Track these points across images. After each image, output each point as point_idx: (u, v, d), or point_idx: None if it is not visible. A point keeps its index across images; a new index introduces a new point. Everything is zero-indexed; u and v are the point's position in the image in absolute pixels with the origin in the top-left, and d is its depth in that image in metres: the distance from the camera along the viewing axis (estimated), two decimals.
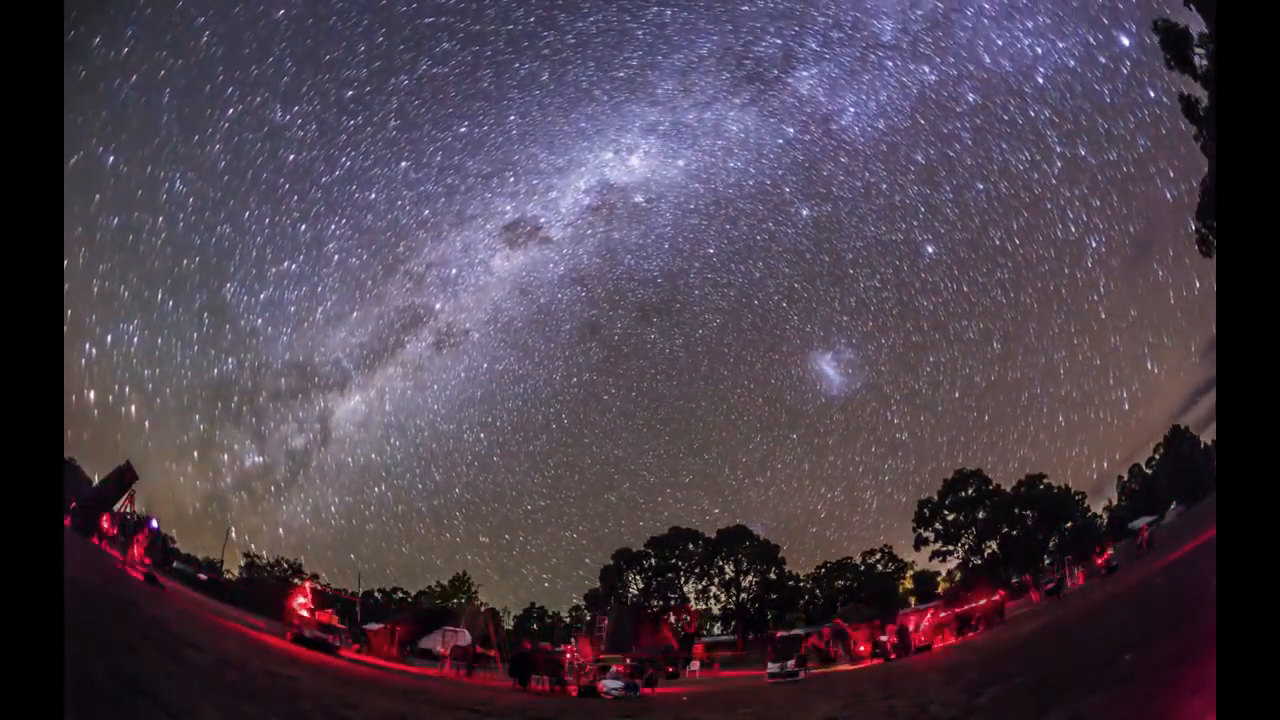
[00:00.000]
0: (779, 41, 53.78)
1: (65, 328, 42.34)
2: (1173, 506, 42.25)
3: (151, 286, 48.00)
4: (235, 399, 53.72)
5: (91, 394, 44.30)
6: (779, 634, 46.35)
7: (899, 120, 55.94)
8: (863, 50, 53.40)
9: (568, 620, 59.17)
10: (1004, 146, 54.10)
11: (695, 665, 37.83)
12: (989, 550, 51.42)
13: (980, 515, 52.00)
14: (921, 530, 53.10)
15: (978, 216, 57.11)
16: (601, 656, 31.09)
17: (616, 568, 58.08)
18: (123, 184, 45.14)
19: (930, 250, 60.45)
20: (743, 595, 56.82)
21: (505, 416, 65.48)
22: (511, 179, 58.02)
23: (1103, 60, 46.57)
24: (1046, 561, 47.85)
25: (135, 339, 47.81)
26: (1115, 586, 23.27)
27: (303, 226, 54.43)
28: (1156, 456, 50.95)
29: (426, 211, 57.98)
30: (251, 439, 54.43)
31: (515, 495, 66.26)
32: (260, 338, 54.93)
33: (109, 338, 46.32)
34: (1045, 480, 52.13)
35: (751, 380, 67.30)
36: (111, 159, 43.59)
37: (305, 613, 22.76)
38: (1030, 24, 48.43)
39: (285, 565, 54.16)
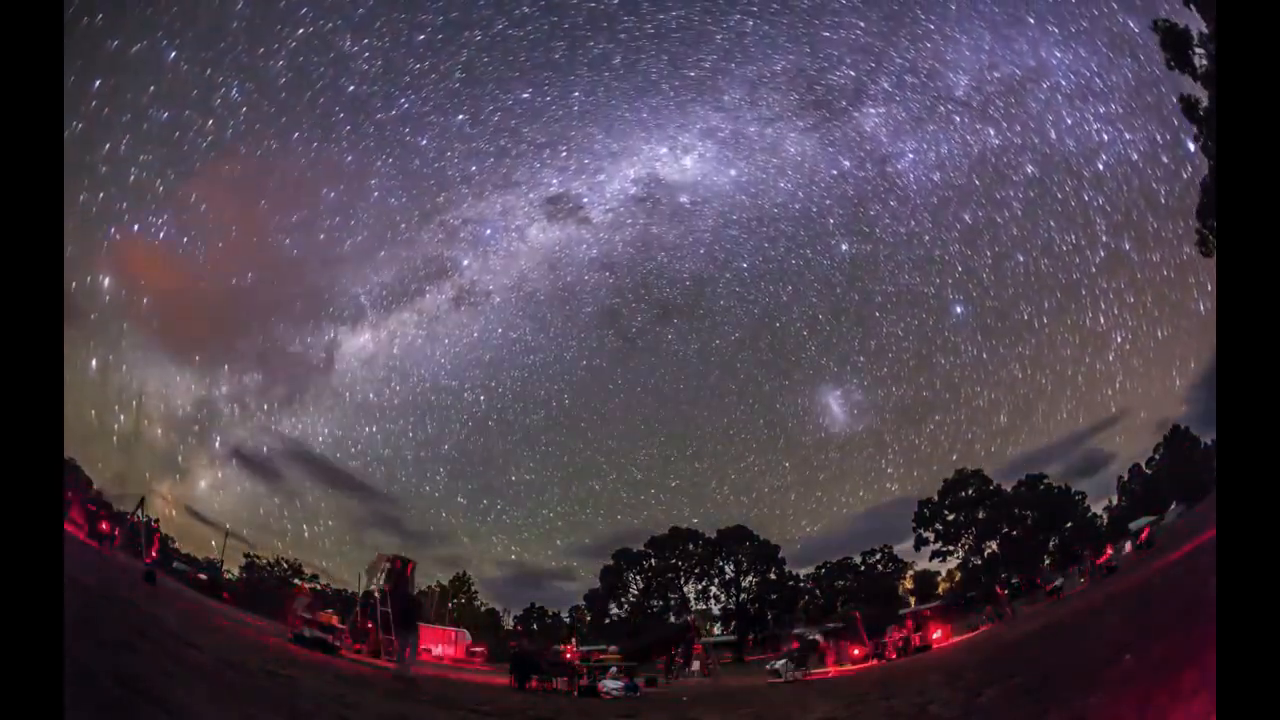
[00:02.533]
0: (853, 74, 53.80)
1: (94, 209, 43.18)
2: (1173, 506, 42.21)
3: (187, 186, 48.39)
4: (247, 311, 54.18)
5: (106, 280, 44.92)
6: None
7: (955, 176, 56.21)
8: (933, 100, 53.80)
9: (568, 620, 59.26)
10: (1051, 224, 54.60)
11: (695, 666, 37.80)
12: (989, 550, 51.47)
13: (980, 515, 52.07)
14: (922, 530, 53.21)
15: (1012, 287, 57.60)
16: (601, 656, 31.09)
17: (617, 568, 58.12)
18: (180, 81, 45.30)
19: (959, 310, 60.56)
20: (743, 595, 56.90)
21: (508, 384, 65.61)
22: (564, 153, 57.75)
23: (1165, 160, 46.93)
24: (1046, 562, 47.87)
25: (161, 233, 48.20)
26: (1115, 586, 23.27)
27: (349, 158, 54.57)
28: (1156, 456, 50.95)
29: (474, 168, 57.73)
30: (255, 354, 54.92)
31: (502, 463, 66.37)
32: (284, 257, 55.17)
33: (135, 226, 46.76)
34: (1045, 480, 52.16)
35: (757, 400, 67.25)
36: (173, 54, 43.79)
37: (306, 614, 22.82)
38: (1102, 109, 48.89)
39: (285, 565, 54.22)
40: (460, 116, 55.47)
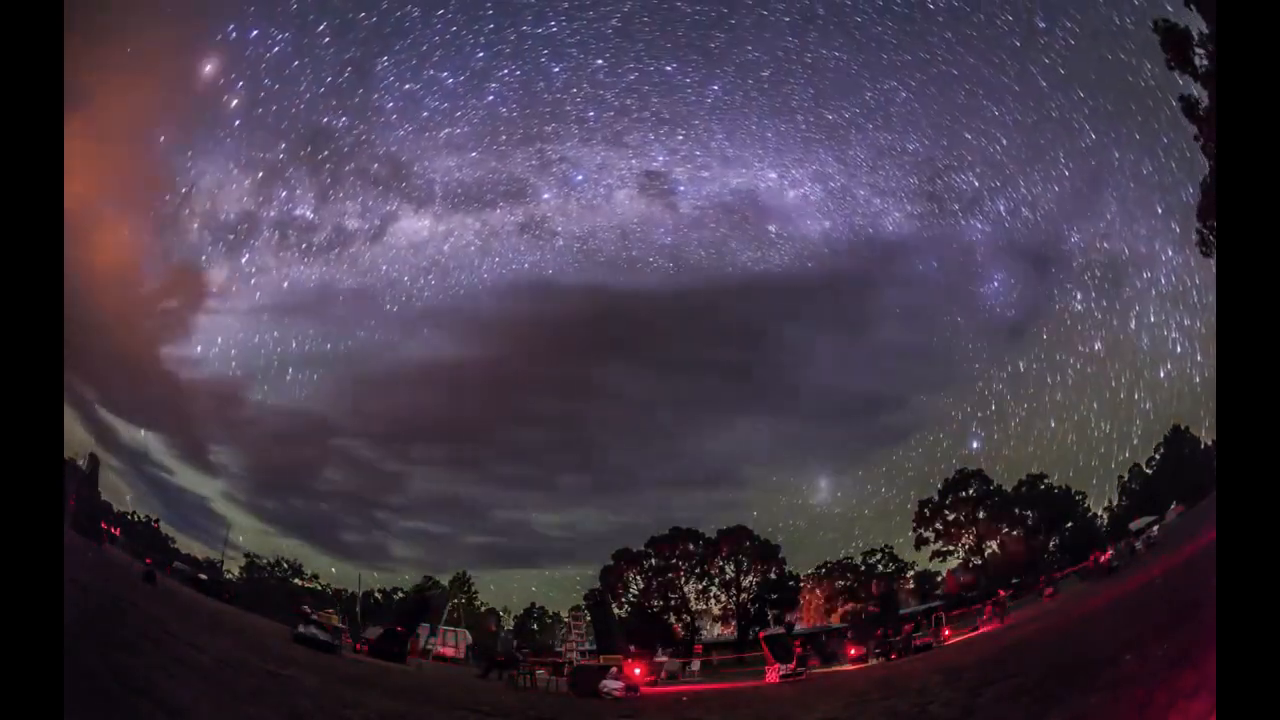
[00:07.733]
0: (976, 184, 55.24)
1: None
2: (1173, 506, 42.26)
3: (320, 17, 49.96)
4: (326, 152, 56.74)
5: (208, 68, 46.14)
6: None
7: (1027, 322, 57.56)
8: (1040, 242, 55.24)
9: (567, 621, 59.17)
10: (1095, 406, 55.48)
11: (696, 665, 37.84)
12: (989, 550, 51.54)
13: (980, 515, 52.19)
14: (922, 530, 53.35)
15: (1034, 447, 59.57)
16: (603, 658, 31.06)
17: (616, 568, 58.19)
18: None
19: (975, 445, 62.47)
20: (743, 595, 56.99)
21: None
22: (680, 137, 58.64)
23: None
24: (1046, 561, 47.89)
25: (276, 48, 49.74)
26: (1115, 587, 23.25)
27: (480, 54, 56.58)
28: (1156, 456, 51.01)
29: (591, 113, 58.96)
30: (316, 195, 57.61)
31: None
32: (381, 118, 57.22)
33: (254, 33, 48.43)
34: (1045, 480, 52.26)
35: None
36: None
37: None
38: (1187, 322, 50.16)
39: (285, 565, 54.23)
40: (599, 61, 56.34)
